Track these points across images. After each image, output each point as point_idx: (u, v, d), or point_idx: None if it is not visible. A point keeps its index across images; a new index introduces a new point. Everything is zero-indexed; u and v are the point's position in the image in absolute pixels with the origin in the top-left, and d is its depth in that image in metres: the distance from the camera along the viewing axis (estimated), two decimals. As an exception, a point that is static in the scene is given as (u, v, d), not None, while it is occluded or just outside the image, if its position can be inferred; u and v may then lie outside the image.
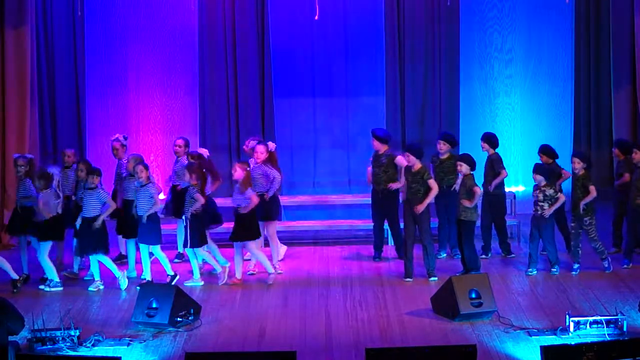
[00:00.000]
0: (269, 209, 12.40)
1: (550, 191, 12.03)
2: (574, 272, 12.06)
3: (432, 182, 11.89)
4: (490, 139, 12.90)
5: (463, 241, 11.97)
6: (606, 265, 12.16)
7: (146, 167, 11.89)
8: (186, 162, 12.51)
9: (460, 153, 12.74)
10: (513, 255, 12.99)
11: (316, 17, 14.02)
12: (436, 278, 11.87)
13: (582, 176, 12.04)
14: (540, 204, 12.01)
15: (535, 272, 12.10)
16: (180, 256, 12.92)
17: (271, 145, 12.56)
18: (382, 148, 12.76)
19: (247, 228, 11.79)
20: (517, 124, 15.98)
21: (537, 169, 12.12)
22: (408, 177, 11.98)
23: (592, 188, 12.00)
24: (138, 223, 11.79)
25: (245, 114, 15.63)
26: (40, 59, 15.08)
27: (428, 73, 15.72)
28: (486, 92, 15.98)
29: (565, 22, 15.82)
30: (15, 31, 14.21)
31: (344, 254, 13.53)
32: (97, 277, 11.84)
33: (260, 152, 12.31)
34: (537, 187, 12.08)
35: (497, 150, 12.92)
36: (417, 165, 11.87)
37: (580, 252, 12.15)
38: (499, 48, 15.90)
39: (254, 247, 11.90)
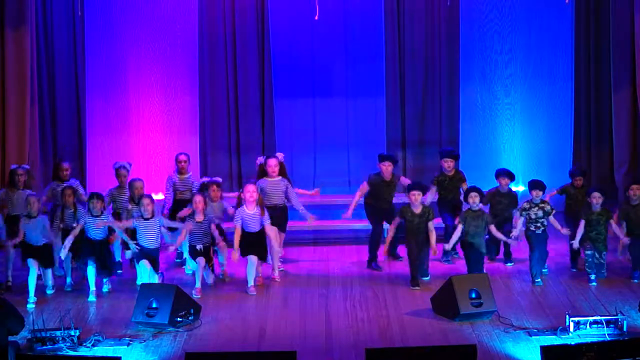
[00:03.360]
0: (284, 220, 12.52)
1: (548, 207, 11.94)
2: (593, 284, 11.74)
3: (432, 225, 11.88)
4: (512, 174, 12.82)
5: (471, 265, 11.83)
6: (592, 278, 11.84)
7: (152, 201, 11.83)
8: (191, 179, 12.78)
9: (470, 185, 12.52)
10: (512, 263, 12.83)
11: (316, 17, 14.01)
12: (428, 277, 11.93)
13: (604, 212, 11.87)
14: (541, 220, 11.92)
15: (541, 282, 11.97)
16: (180, 255, 12.92)
17: (280, 155, 12.64)
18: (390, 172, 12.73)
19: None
20: (517, 124, 15.96)
21: (535, 185, 12.00)
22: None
23: (612, 222, 11.85)
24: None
25: (245, 114, 15.62)
26: (40, 59, 15.06)
27: (428, 73, 15.70)
28: (486, 92, 15.96)
29: (565, 22, 15.80)
30: (15, 31, 14.22)
31: (344, 254, 13.52)
32: (92, 287, 11.72)
33: (275, 165, 12.37)
34: (534, 204, 11.96)
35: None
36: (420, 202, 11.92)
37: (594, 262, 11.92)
38: (499, 48, 15.87)
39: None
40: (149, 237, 11.66)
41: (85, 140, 15.58)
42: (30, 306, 11.20)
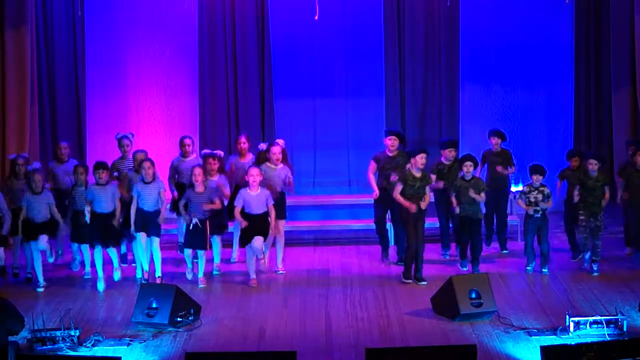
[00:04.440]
0: (283, 206, 12.49)
1: (547, 190, 12.05)
2: (595, 273, 12.02)
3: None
4: (502, 133, 13.10)
5: (477, 237, 12.11)
6: (595, 268, 12.07)
7: (153, 164, 11.93)
8: (195, 161, 12.59)
9: (463, 154, 12.71)
10: (507, 251, 13.02)
11: (316, 17, 14.01)
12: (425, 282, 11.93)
13: (600, 177, 12.06)
14: (541, 204, 12.00)
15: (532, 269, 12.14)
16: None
17: (281, 142, 12.61)
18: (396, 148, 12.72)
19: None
20: (517, 124, 15.97)
21: (536, 169, 12.11)
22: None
23: (606, 189, 12.03)
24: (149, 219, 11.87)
25: (245, 114, 15.62)
26: (40, 59, 15.07)
27: (428, 73, 15.70)
28: (486, 92, 15.97)
29: (565, 22, 15.81)
30: (15, 31, 14.22)
31: (344, 254, 13.52)
32: (100, 273, 11.83)
33: (279, 152, 12.35)
34: (534, 188, 12.04)
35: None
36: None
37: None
38: (499, 48, 15.88)
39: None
40: (149, 201, 11.80)
41: (85, 140, 15.59)
42: (40, 289, 11.74)
